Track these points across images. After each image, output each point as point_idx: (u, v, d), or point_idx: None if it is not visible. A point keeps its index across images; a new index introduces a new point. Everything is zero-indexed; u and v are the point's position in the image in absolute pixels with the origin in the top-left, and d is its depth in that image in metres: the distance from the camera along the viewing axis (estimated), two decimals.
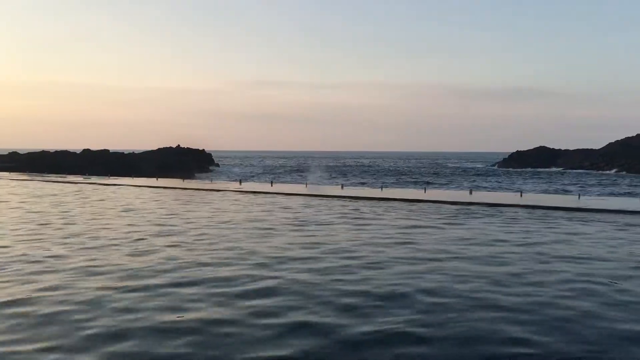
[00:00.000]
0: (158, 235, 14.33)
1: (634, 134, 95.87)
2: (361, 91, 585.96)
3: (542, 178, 69.36)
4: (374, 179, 67.18)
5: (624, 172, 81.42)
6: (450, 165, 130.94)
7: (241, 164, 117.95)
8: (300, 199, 25.71)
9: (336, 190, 31.54)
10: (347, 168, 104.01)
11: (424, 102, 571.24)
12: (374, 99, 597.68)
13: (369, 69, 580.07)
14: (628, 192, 44.40)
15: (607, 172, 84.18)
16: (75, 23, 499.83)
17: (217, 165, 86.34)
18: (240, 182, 38.36)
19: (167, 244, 12.83)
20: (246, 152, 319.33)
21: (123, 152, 70.30)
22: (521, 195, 28.48)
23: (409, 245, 13.00)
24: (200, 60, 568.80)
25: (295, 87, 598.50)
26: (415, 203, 24.39)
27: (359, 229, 15.71)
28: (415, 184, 56.16)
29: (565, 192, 45.23)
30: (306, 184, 36.25)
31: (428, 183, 56.89)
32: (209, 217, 18.30)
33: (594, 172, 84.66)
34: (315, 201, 24.74)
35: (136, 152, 74.75)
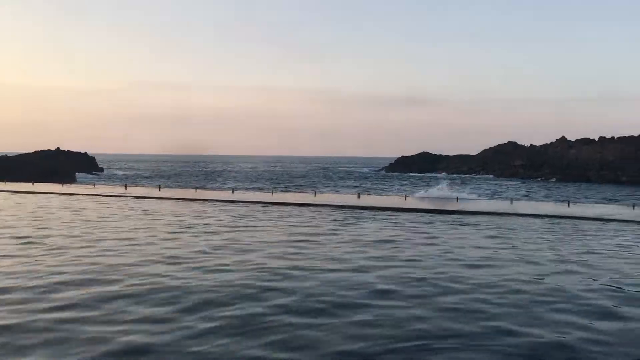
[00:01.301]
0: None
1: (505, 141, 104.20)
2: (246, 94, 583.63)
3: (423, 182, 73.29)
4: (264, 184, 67.36)
5: (491, 176, 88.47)
6: (340, 169, 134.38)
7: (128, 168, 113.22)
8: (193, 204, 25.24)
9: (227, 194, 31.30)
10: (237, 173, 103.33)
11: (311, 107, 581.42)
12: (264, 103, 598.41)
13: (259, 73, 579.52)
14: (498, 195, 48.21)
15: (484, 176, 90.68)
16: None
17: (102, 169, 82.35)
18: (126, 186, 36.84)
19: None
20: (133, 156, 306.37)
21: None
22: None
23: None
24: (74, 58, 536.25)
25: (169, 89, 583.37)
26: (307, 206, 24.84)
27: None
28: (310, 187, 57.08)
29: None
30: (196, 189, 35.59)
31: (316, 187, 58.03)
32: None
33: (470, 176, 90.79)
34: (208, 207, 24.40)
35: (10, 154, 69.01)
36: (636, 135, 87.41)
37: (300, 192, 44.76)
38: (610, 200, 43.86)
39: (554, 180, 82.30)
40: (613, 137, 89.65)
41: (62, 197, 28.46)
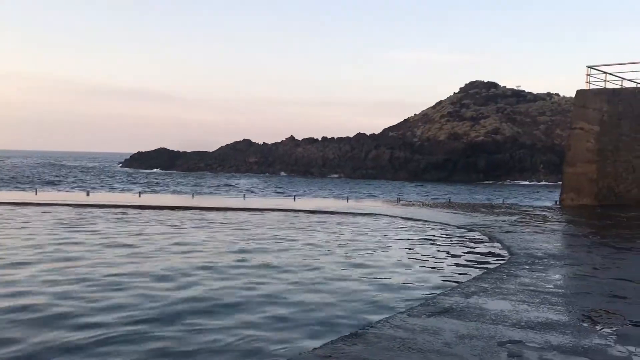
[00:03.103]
0: None
1: (241, 139, 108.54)
2: None
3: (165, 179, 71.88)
4: None
5: (238, 174, 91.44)
6: (68, 164, 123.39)
7: None
8: None
9: None
10: None
11: (40, 97, 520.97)
12: None
13: None
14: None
15: (223, 173, 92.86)
16: None
17: None
18: None
19: None
20: None
21: None
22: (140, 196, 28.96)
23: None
24: None
25: None
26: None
27: None
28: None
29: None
30: None
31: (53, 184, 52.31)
32: None
33: (209, 173, 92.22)
34: None
35: None
36: (351, 136, 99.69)
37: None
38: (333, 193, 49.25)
39: (284, 174, 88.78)
40: (333, 137, 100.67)
41: None
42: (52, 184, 57.54)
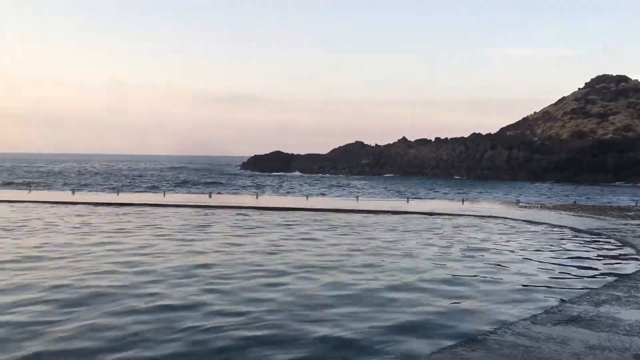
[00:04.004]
0: None
1: (353, 141, 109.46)
2: (71, 90, 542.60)
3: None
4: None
5: (342, 175, 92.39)
6: (191, 167, 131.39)
7: None
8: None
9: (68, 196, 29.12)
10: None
11: (159, 104, 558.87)
12: (109, 100, 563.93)
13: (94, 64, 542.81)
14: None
15: (336, 175, 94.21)
16: None
17: None
18: None
19: None
20: None
21: None
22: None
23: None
24: None
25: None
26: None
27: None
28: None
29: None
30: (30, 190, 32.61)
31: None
32: None
33: (325, 175, 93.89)
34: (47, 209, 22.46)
35: None
36: (466, 136, 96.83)
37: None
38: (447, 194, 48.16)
39: (396, 176, 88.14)
40: (447, 138, 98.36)
41: None
42: (214, 185, 61.34)
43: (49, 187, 53.22)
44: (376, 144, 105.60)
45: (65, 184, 57.56)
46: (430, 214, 22.27)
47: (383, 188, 60.68)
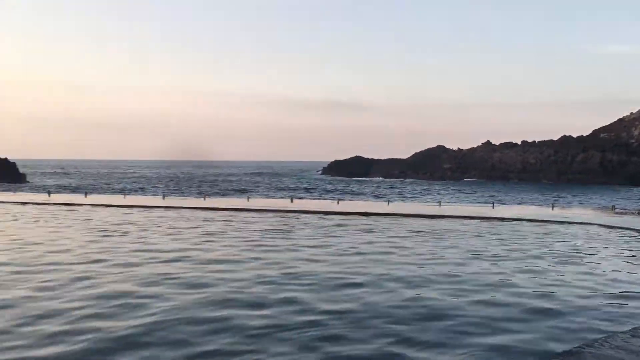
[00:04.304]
0: None
1: (435, 145, 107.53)
2: (176, 98, 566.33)
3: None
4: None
5: (424, 180, 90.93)
6: (271, 173, 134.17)
7: (56, 173, 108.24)
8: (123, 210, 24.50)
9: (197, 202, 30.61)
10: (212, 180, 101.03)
11: (245, 111, 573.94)
12: (197, 107, 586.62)
13: (188, 76, 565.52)
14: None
15: (417, 180, 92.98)
16: None
17: (23, 175, 78.15)
18: (49, 193, 35.27)
19: None
20: (59, 161, 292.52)
21: None
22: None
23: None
24: None
25: (115, 92, 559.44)
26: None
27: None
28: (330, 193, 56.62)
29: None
30: (124, 195, 34.58)
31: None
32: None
33: (406, 180, 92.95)
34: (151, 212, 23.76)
35: None
36: (555, 139, 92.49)
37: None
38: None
39: (480, 180, 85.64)
40: (534, 141, 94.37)
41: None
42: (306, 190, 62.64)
43: (143, 191, 56.15)
44: (458, 148, 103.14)
45: (156, 188, 60.56)
46: (518, 219, 21.46)
47: (466, 193, 59.18)
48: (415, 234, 17.40)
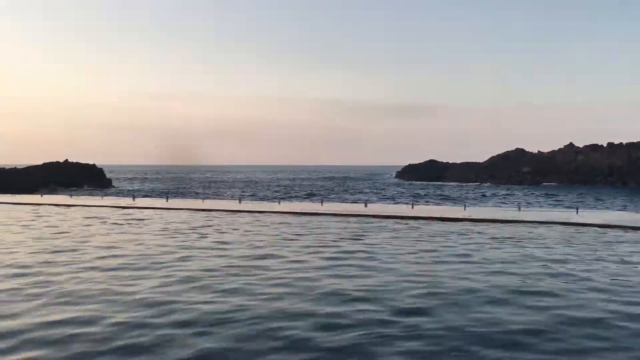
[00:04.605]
0: None
1: (513, 148, 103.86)
2: (257, 105, 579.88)
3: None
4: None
5: (510, 185, 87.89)
6: (341, 177, 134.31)
7: (136, 178, 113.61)
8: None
9: (275, 206, 31.34)
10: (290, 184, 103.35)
11: (320, 116, 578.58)
12: (273, 114, 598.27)
13: (260, 82, 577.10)
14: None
15: (494, 184, 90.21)
16: None
17: (109, 180, 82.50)
18: (134, 197, 36.99)
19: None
20: (144, 167, 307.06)
21: (3, 168, 64.96)
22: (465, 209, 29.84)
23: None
24: (95, 70, 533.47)
25: (198, 100, 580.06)
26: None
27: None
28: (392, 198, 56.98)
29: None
30: (239, 199, 35.61)
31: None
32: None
33: (483, 184, 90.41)
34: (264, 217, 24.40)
35: (19, 166, 69.47)
36: None
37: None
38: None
39: (561, 185, 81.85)
40: (621, 143, 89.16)
41: (82, 208, 28.59)
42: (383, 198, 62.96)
43: (219, 195, 57.70)
44: (538, 151, 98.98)
45: (236, 192, 62.16)
46: (607, 226, 20.26)
47: (546, 197, 56.65)
48: (497, 240, 16.78)
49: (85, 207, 29.19)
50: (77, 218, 23.44)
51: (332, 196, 57.78)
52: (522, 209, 29.77)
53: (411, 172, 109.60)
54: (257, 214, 25.46)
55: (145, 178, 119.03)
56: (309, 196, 56.34)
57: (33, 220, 22.42)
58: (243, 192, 65.92)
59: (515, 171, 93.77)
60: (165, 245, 15.26)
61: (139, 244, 15.47)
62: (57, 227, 19.96)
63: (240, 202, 33.89)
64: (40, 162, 73.42)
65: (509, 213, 26.20)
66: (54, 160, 73.30)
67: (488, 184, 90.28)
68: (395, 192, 67.94)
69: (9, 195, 39.13)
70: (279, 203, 33.60)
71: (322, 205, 31.46)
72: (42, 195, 38.03)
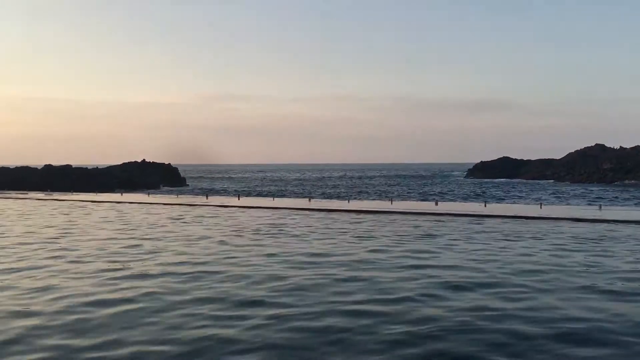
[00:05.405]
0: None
1: (593, 144, 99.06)
2: (323, 104, 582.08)
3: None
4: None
5: (579, 182, 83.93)
6: (411, 175, 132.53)
7: (211, 178, 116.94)
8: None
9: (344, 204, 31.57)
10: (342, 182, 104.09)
11: (385, 114, 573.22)
12: (337, 112, 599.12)
13: (329, 82, 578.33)
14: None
15: (571, 182, 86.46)
16: (30, 34, 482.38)
17: (184, 179, 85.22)
18: (207, 196, 38.10)
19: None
20: (214, 166, 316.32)
21: (86, 167, 68.72)
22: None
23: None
24: (162, 73, 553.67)
25: (260, 101, 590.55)
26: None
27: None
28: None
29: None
30: (309, 199, 36.07)
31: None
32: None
33: (560, 182, 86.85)
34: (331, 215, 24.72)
35: (100, 167, 73.30)
36: None
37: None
38: None
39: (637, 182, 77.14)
40: None
41: (169, 207, 29.85)
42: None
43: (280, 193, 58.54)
44: (621, 147, 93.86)
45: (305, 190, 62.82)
46: None
47: (631, 195, 53.54)
48: (578, 240, 16.02)
49: (187, 206, 30.39)
50: (181, 216, 24.46)
51: (399, 195, 57.06)
52: (603, 207, 28.28)
53: (483, 170, 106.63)
54: (331, 213, 25.56)
55: (213, 177, 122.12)
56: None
57: (146, 216, 23.58)
58: (311, 191, 66.34)
59: (595, 168, 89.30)
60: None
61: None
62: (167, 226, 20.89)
63: (310, 200, 34.15)
64: (119, 162, 77.44)
65: (589, 212, 24.97)
66: (132, 160, 77.12)
67: (568, 181, 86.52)
68: (467, 190, 66.15)
69: (93, 194, 41.30)
70: (349, 202, 33.60)
71: (391, 203, 31.17)
72: (122, 194, 39.89)
